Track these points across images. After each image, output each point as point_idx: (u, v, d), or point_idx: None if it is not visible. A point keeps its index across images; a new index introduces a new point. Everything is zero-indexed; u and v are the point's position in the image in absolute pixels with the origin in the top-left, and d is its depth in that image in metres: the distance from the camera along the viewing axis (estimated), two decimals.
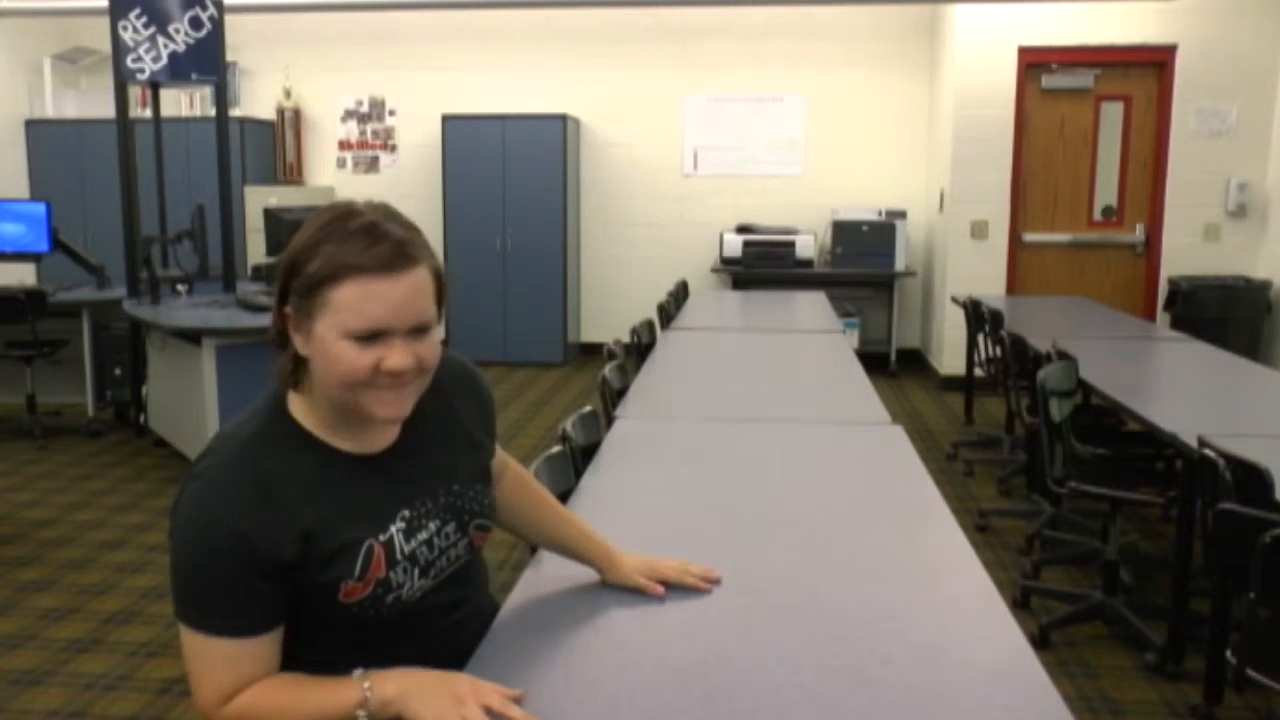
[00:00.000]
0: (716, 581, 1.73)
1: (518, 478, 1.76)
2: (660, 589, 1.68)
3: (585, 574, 1.75)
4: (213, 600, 1.31)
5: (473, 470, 1.56)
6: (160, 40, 5.70)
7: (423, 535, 1.45)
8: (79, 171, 8.25)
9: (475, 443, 1.59)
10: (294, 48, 8.60)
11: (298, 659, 1.40)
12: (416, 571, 1.43)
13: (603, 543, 1.75)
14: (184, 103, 8.54)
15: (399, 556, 1.41)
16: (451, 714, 1.27)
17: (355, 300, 1.28)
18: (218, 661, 1.32)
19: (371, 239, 1.29)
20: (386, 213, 1.35)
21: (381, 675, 1.34)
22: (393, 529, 1.41)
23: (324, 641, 1.41)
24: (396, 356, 1.31)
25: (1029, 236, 7.47)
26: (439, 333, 1.38)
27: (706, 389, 3.59)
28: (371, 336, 1.30)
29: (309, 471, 1.37)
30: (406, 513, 1.44)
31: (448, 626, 1.53)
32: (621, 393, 3.34)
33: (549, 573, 1.79)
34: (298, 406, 1.41)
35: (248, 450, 1.35)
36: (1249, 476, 2.42)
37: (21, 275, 7.39)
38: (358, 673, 1.34)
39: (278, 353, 1.39)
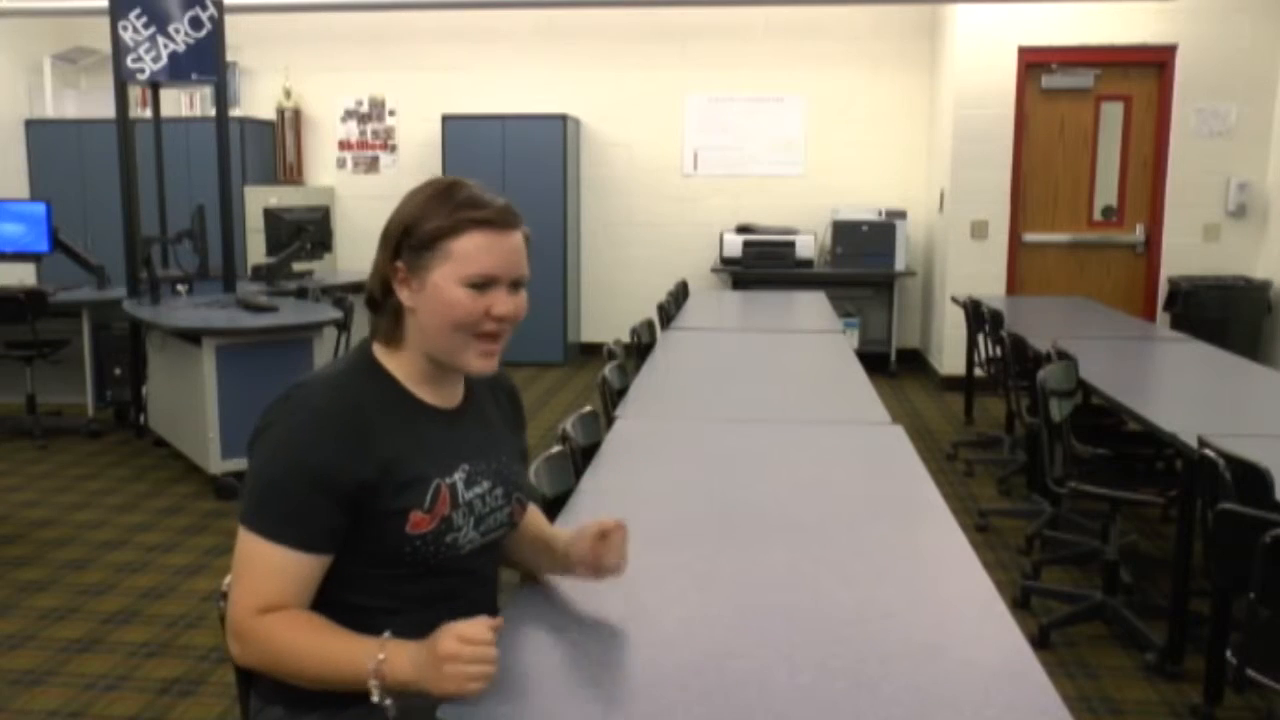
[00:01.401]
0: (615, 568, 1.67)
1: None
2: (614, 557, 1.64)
3: None
4: (286, 509, 1.43)
5: (515, 450, 1.73)
6: (160, 40, 5.70)
7: (478, 489, 1.58)
8: (79, 171, 8.25)
9: (515, 430, 1.77)
10: (294, 48, 8.60)
11: (342, 605, 1.47)
12: (473, 520, 1.57)
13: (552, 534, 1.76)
14: (184, 103, 8.54)
15: (460, 501, 1.55)
16: (464, 681, 1.30)
17: (473, 250, 1.48)
18: (269, 568, 1.43)
19: (483, 200, 1.50)
20: (481, 186, 1.55)
21: (399, 651, 1.36)
22: (456, 475, 1.55)
23: (374, 590, 1.51)
24: (503, 304, 1.50)
25: (1029, 236, 7.46)
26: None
27: (706, 389, 3.59)
28: (483, 285, 1.49)
29: (391, 409, 1.53)
30: (467, 466, 1.58)
31: (478, 598, 1.62)
32: (621, 393, 3.34)
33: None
34: (384, 358, 1.57)
35: (338, 383, 1.52)
36: (1249, 476, 2.42)
37: (21, 275, 7.38)
38: (386, 634, 1.39)
39: (372, 313, 1.58)
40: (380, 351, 1.58)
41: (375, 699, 1.35)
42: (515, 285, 1.53)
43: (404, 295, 1.52)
